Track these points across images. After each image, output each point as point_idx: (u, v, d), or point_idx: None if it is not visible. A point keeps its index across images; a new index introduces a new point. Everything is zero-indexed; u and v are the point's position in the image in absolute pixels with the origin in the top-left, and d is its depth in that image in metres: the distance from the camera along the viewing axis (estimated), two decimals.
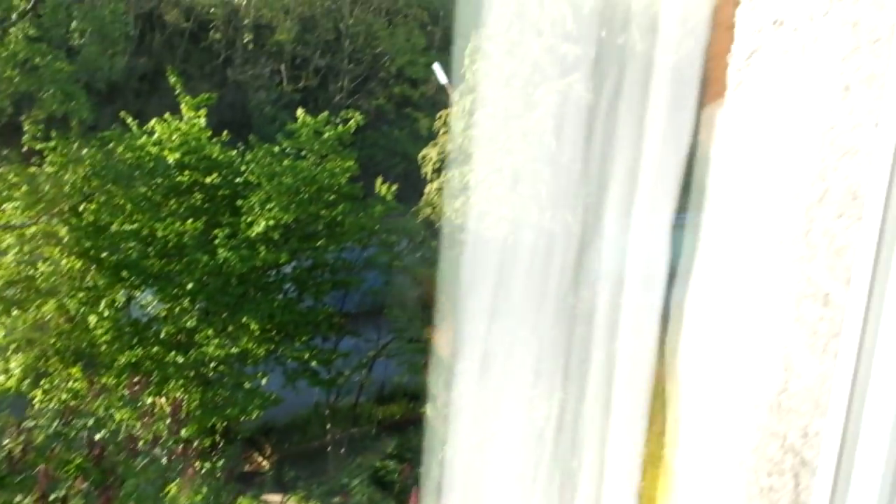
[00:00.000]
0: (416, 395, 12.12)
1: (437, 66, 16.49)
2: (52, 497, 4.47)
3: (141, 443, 5.37)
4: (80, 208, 10.66)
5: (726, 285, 1.03)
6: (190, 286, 10.44)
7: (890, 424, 1.05)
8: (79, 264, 10.56)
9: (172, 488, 4.93)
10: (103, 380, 9.67)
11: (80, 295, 10.47)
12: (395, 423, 12.57)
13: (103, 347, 10.26)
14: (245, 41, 23.28)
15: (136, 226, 10.84)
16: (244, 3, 19.94)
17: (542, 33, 12.32)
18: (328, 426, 11.88)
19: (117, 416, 6.38)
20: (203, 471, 6.65)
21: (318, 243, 11.62)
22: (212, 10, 22.85)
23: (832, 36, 0.84)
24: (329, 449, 11.46)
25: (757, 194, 0.96)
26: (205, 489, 5.08)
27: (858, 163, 0.81)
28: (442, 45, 24.11)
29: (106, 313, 10.36)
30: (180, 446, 6.03)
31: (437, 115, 15.08)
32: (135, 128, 11.68)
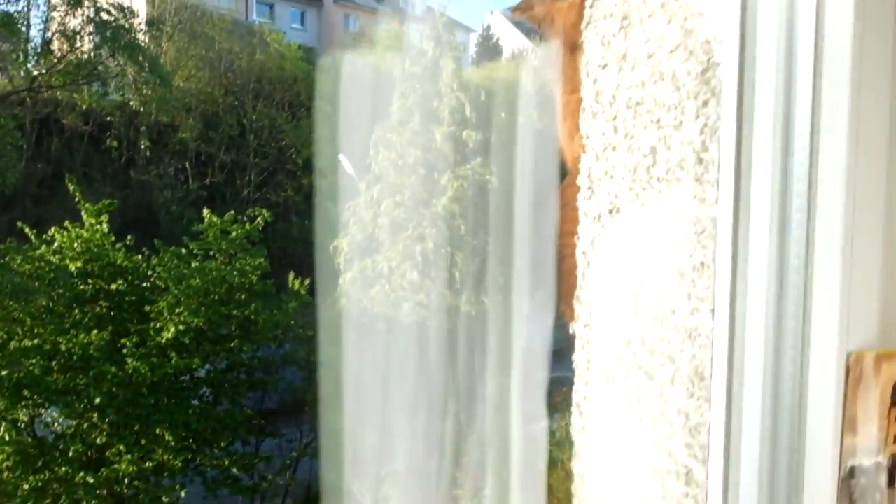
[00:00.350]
0: None
1: (342, 157, 16.64)
2: None
3: None
4: None
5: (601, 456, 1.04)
6: (98, 400, 9.97)
7: None
8: None
9: None
10: None
11: None
12: None
13: (5, 473, 9.62)
14: (147, 141, 23.04)
15: (37, 341, 10.36)
16: (142, 107, 19.83)
17: (443, 122, 12.62)
18: None
19: None
20: None
21: (232, 344, 11.34)
22: (111, 113, 22.59)
23: (663, 226, 0.89)
24: None
25: (617, 371, 0.98)
26: None
27: (701, 345, 0.85)
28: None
29: (7, 437, 9.76)
30: None
31: (346, 206, 15.17)
32: (33, 238, 11.29)
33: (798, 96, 0.81)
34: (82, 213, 11.40)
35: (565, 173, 1.09)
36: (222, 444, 10.99)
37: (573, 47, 1.06)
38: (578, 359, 1.05)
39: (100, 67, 19.36)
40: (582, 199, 1.01)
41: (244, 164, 24.35)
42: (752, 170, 0.84)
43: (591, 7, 1.01)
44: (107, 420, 10.30)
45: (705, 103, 0.88)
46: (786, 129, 0.82)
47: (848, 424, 0.79)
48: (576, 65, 1.05)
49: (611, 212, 0.98)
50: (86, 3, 18.78)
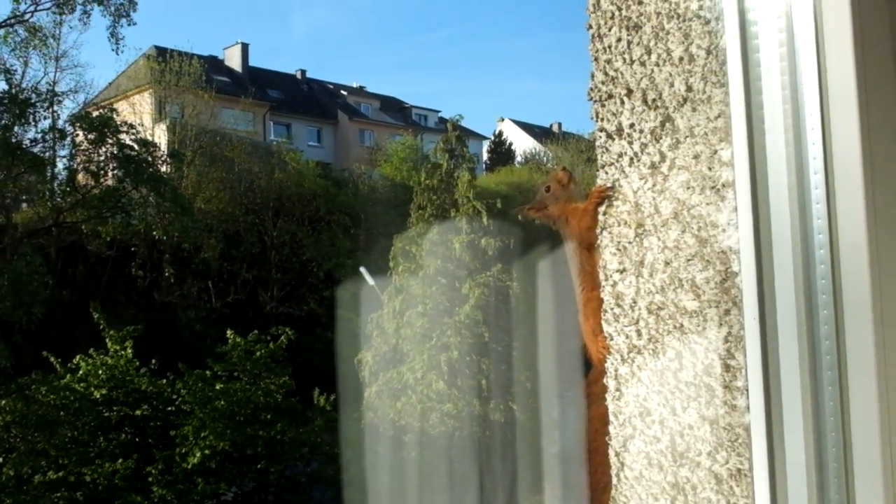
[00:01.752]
0: None
1: (363, 270, 16.79)
2: None
3: None
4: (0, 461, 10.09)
5: None
6: None
7: None
8: None
9: None
10: None
11: None
12: None
13: None
14: (170, 268, 23.40)
15: (62, 473, 10.25)
16: (165, 236, 20.30)
17: (461, 231, 12.74)
18: None
19: None
20: None
21: (259, 465, 11.16)
22: (135, 242, 23.07)
23: (696, 432, 0.89)
24: None
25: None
26: None
27: (743, 443, 0.84)
28: (366, 245, 24.69)
29: None
30: None
31: (369, 318, 15.20)
32: (58, 367, 11.36)
33: (819, 307, 0.82)
34: (107, 340, 11.49)
35: (589, 367, 1.09)
36: None
37: (590, 247, 1.08)
38: None
39: (123, 200, 19.90)
40: (611, 400, 1.01)
41: (266, 280, 24.60)
42: (781, 378, 0.84)
43: (604, 214, 1.03)
44: None
45: (727, 311, 0.89)
46: (811, 336, 0.83)
47: None
48: (594, 262, 1.07)
49: (640, 414, 0.98)
50: (108, 141, 19.46)
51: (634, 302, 0.99)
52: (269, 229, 25.07)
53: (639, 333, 0.98)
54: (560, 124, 49.52)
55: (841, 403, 0.81)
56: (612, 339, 1.01)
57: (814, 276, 0.83)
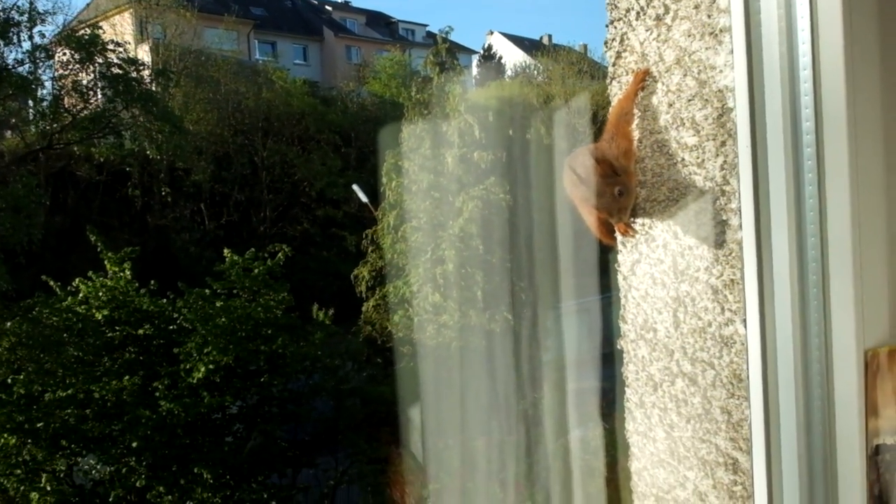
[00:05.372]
0: None
1: (356, 187, 16.86)
2: None
3: None
4: (9, 380, 10.31)
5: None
6: (135, 444, 10.10)
7: None
8: (13, 440, 10.12)
9: None
10: None
11: (18, 472, 10.00)
12: None
13: None
14: (165, 187, 23.35)
15: (70, 391, 10.50)
16: (158, 155, 20.11)
17: (454, 145, 12.74)
18: None
19: None
20: None
21: (262, 379, 11.46)
22: (127, 163, 22.92)
23: (695, 250, 1.03)
24: None
25: (663, 379, 1.11)
26: None
27: (737, 351, 0.99)
28: (358, 164, 24.67)
29: (48, 487, 9.90)
30: None
31: (363, 234, 15.34)
32: (58, 290, 11.48)
33: (804, 134, 0.95)
34: (105, 262, 11.58)
35: None
36: (259, 478, 11.08)
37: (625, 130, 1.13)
38: (628, 371, 1.18)
39: (114, 120, 19.67)
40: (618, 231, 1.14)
41: (259, 201, 24.64)
42: (770, 199, 0.97)
43: (613, 65, 1.15)
44: (144, 463, 10.42)
45: (723, 143, 1.01)
46: (795, 162, 0.96)
47: (870, 410, 0.92)
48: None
49: (646, 240, 1.11)
50: (97, 60, 19.11)
51: (640, 142, 1.12)
52: (258, 150, 24.97)
53: (643, 171, 1.11)
54: (550, 36, 48.80)
55: (820, 215, 0.95)
56: None
57: (798, 108, 0.95)
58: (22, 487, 9.94)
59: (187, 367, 10.68)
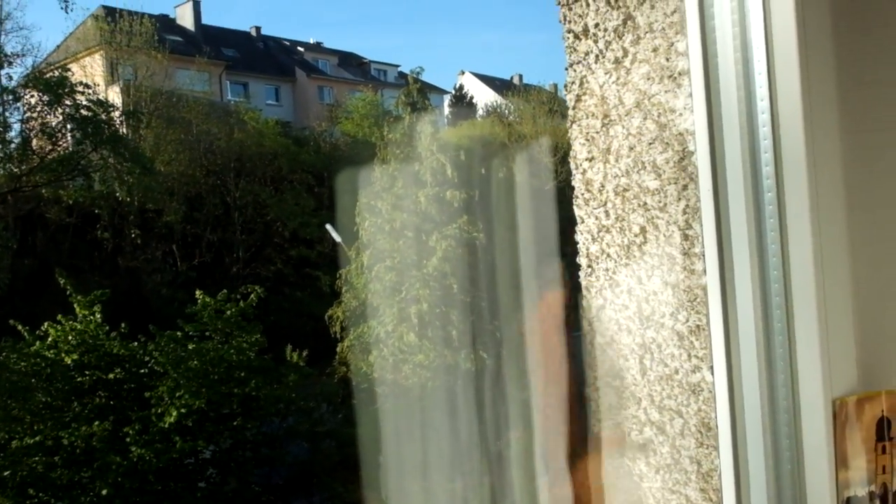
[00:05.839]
0: None
1: (329, 227, 16.82)
2: None
3: None
4: None
5: None
6: (105, 491, 9.87)
7: None
8: None
9: None
10: None
11: None
12: None
13: None
14: (135, 230, 23.15)
15: (38, 438, 10.27)
16: (128, 197, 19.97)
17: (427, 184, 12.78)
18: None
19: None
20: None
21: (236, 423, 11.28)
22: (97, 204, 22.71)
23: (660, 296, 1.01)
24: None
25: (631, 427, 1.09)
26: None
27: (704, 398, 0.97)
28: (331, 204, 24.66)
29: None
30: None
31: (337, 274, 15.26)
32: (27, 335, 11.28)
33: (763, 178, 0.94)
34: (74, 305, 11.41)
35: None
36: None
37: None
38: (593, 420, 1.15)
39: (83, 162, 19.52)
40: (584, 276, 1.13)
41: (231, 242, 24.48)
42: (732, 243, 0.96)
43: (573, 109, 1.14)
44: None
45: (685, 187, 1.00)
46: (756, 205, 0.95)
47: (840, 461, 0.90)
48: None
49: (610, 286, 1.10)
50: (65, 102, 19.01)
51: (602, 186, 1.11)
52: (231, 190, 24.87)
53: (607, 214, 1.10)
54: (521, 76, 49.49)
55: (782, 260, 0.93)
56: (583, 222, 1.13)
57: (758, 151, 0.95)
58: None
59: (159, 411, 10.50)
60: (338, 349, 14.95)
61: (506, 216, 12.57)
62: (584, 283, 1.14)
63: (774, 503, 0.91)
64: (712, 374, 0.98)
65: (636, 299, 1.08)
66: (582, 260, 1.14)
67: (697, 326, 1.00)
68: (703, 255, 0.99)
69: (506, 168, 13.20)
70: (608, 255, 1.10)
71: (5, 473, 9.90)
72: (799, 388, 0.91)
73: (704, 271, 0.99)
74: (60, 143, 20.26)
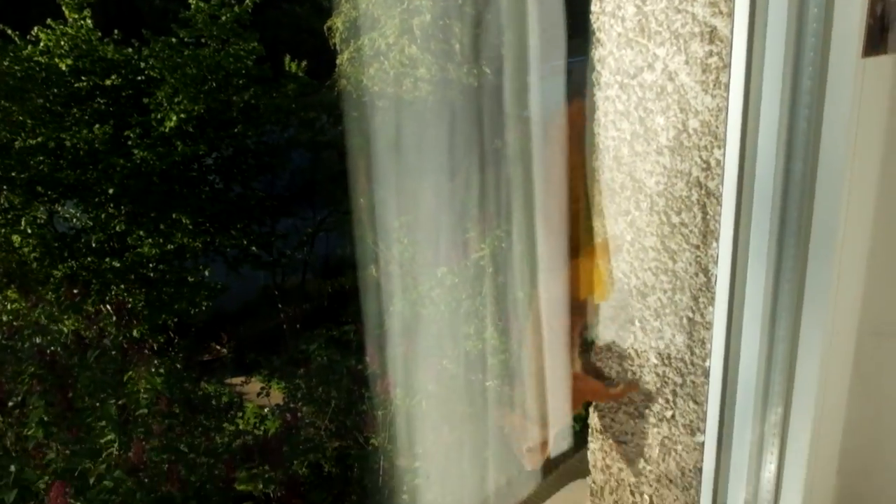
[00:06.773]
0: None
1: None
2: (10, 404, 4.50)
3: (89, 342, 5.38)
4: None
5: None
6: (111, 191, 10.19)
7: (779, 148, 1.12)
8: None
9: (130, 374, 4.98)
10: (41, 294, 9.51)
11: None
12: (345, 293, 12.71)
13: (34, 265, 10.05)
14: None
15: (40, 139, 10.39)
16: None
17: None
18: (280, 306, 12.00)
19: (63, 325, 6.35)
20: (160, 363, 6.68)
21: (236, 130, 11.35)
22: None
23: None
24: (285, 326, 11.59)
25: None
26: (163, 371, 5.15)
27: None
28: None
29: (29, 230, 10.08)
30: (134, 344, 6.05)
31: None
32: (16, 38, 10.99)
33: None
34: (63, 7, 10.99)
35: None
36: (239, 226, 11.33)
37: None
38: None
39: None
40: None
41: None
42: None
43: None
44: (123, 210, 10.57)
45: None
46: None
47: None
48: None
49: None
50: None
51: None
52: None
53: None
54: None
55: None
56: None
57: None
58: (3, 231, 10.10)
59: (158, 116, 10.53)
60: (337, 62, 14.65)
61: None
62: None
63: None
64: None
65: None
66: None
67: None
68: None
69: None
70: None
71: (13, 173, 10.13)
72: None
73: None
74: None
